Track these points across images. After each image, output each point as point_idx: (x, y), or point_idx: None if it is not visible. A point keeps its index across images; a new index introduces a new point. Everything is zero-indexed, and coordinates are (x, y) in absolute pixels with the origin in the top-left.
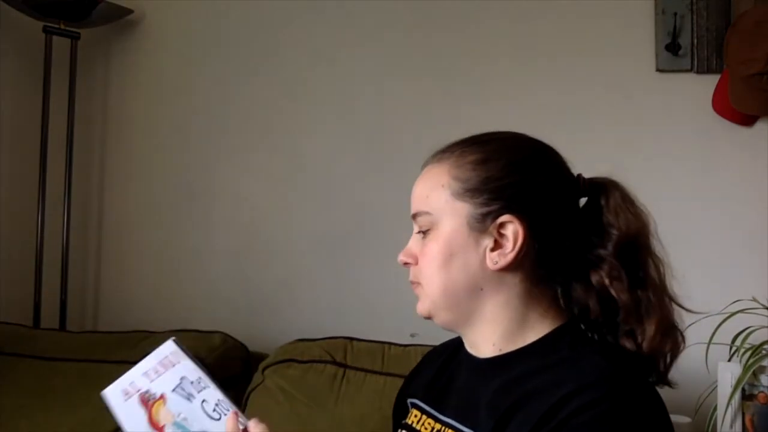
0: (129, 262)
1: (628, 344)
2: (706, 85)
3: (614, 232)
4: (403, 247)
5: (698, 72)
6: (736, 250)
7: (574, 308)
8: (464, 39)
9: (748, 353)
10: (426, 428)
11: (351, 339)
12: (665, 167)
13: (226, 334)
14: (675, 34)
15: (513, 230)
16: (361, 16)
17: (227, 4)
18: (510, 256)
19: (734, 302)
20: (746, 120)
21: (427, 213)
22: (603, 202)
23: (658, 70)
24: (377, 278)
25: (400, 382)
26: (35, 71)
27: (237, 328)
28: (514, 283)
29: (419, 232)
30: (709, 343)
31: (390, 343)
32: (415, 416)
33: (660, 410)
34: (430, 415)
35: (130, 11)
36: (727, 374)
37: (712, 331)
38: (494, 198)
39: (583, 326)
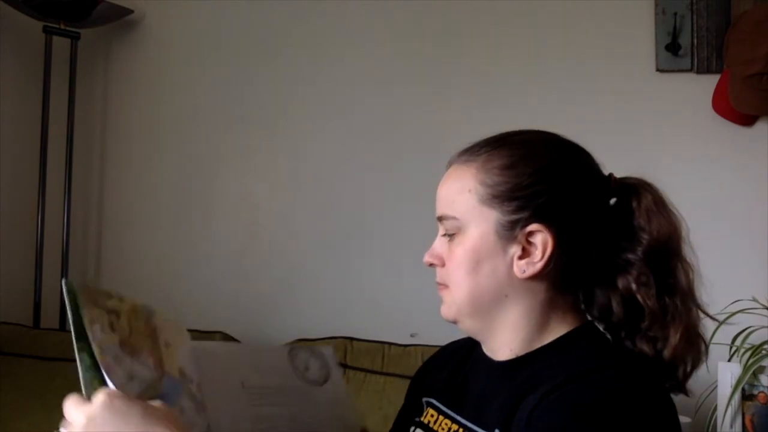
0: (129, 261)
1: (647, 349)
2: (706, 85)
3: (645, 236)
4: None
5: (698, 72)
6: (736, 250)
7: (594, 311)
8: (464, 40)
9: (748, 353)
10: (443, 428)
11: (351, 339)
12: (665, 167)
13: (226, 334)
14: (675, 34)
15: (542, 239)
16: (363, 17)
17: (228, 4)
18: (538, 266)
19: (734, 302)
20: (746, 120)
21: (453, 218)
22: (634, 204)
23: (658, 70)
24: (377, 278)
25: (400, 381)
26: (35, 71)
27: (237, 328)
28: (539, 290)
29: (445, 234)
30: (709, 343)
31: (390, 343)
32: (432, 416)
33: (670, 414)
34: (447, 416)
35: (130, 11)
36: (727, 374)
37: (712, 331)
38: (523, 206)
39: (601, 328)
